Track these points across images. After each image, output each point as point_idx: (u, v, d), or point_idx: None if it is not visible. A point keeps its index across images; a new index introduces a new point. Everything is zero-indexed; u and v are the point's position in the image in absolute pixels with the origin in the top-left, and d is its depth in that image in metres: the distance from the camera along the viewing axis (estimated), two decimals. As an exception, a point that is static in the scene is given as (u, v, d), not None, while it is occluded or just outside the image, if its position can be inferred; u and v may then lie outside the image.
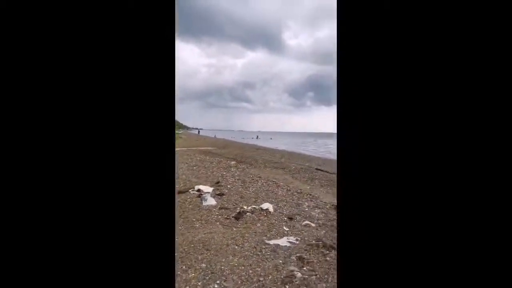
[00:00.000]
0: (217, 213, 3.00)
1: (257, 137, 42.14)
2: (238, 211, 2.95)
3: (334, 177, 5.53)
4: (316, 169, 6.25)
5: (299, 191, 4.15)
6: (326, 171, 6.07)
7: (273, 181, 4.81)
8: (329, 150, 17.99)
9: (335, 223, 2.76)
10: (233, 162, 6.89)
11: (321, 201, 3.60)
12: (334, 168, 7.11)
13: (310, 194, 3.95)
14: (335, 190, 4.41)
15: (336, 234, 2.47)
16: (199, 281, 1.65)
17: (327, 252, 2.05)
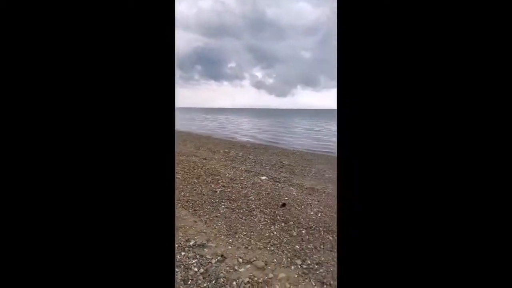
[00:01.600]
0: None
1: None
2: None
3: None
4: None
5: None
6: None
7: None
8: (203, 125, 18.44)
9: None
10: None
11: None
12: (188, 146, 7.39)
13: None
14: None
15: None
16: None
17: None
